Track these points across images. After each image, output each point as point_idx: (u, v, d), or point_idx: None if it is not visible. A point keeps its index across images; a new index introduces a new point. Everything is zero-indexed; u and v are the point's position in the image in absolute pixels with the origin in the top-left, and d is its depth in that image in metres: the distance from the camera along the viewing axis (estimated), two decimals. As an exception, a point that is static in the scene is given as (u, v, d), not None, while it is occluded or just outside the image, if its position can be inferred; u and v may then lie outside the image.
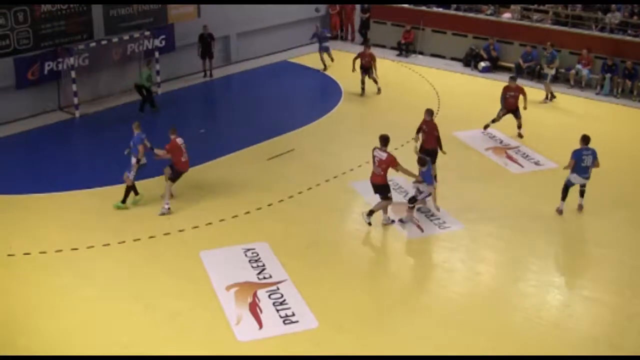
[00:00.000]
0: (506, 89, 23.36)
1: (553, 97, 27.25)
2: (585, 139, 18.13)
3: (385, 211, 17.88)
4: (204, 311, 14.35)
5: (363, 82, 27.68)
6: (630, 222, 18.33)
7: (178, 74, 28.65)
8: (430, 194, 17.96)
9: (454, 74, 30.65)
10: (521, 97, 23.28)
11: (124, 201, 18.23)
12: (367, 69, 27.72)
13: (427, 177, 17.62)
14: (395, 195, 18.89)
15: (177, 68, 28.56)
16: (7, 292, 14.93)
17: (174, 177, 18.34)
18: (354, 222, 18.26)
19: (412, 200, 17.81)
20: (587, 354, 13.45)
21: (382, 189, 17.56)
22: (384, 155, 17.28)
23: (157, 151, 18.33)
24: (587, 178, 18.14)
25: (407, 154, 20.25)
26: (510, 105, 23.25)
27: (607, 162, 19.34)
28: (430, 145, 19.37)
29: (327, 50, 30.87)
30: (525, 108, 23.30)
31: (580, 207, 18.46)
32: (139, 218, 17.90)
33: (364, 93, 27.66)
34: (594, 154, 17.98)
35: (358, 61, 27.68)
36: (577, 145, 18.15)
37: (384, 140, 17.48)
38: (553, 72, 27.50)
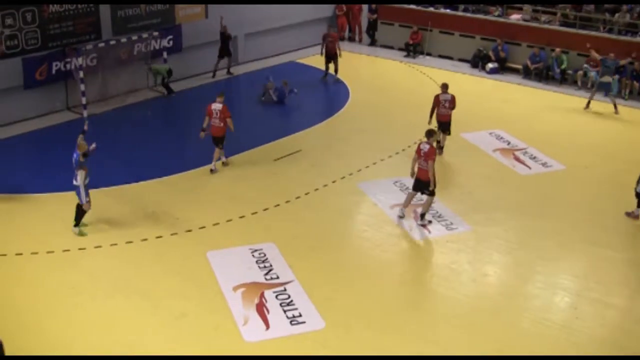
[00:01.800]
0: None
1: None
2: None
3: (406, 205, 18.08)
4: (211, 311, 14.35)
5: (327, 67, 29.17)
6: (639, 224, 18.29)
7: (186, 74, 28.69)
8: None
9: (462, 75, 30.60)
10: None
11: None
12: (332, 55, 28.38)
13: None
14: (403, 196, 18.91)
15: (184, 68, 28.59)
16: (14, 291, 14.96)
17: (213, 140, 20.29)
18: (361, 223, 18.25)
19: None
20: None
21: (427, 184, 17.63)
22: (427, 147, 17.41)
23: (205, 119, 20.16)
24: None
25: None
26: None
27: (616, 163, 19.36)
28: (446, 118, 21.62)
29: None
30: None
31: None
32: (146, 218, 17.91)
33: (326, 76, 29.24)
34: None
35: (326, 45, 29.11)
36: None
37: (430, 133, 17.76)
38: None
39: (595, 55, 27.13)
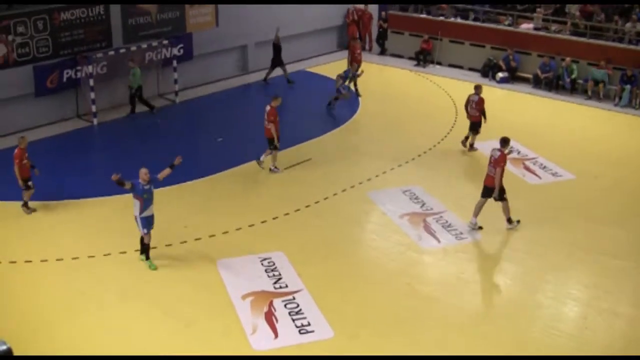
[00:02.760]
0: None
1: None
2: None
3: (476, 214, 18.03)
4: (220, 320, 14.36)
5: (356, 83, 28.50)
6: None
7: (196, 82, 28.74)
8: None
9: (472, 84, 30.43)
10: None
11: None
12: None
13: None
14: (412, 205, 18.92)
15: (194, 77, 28.65)
16: (24, 298, 15.01)
17: None
18: (371, 232, 18.25)
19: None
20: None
21: (491, 191, 17.74)
22: (497, 154, 17.57)
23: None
24: None
25: (427, 160, 20.36)
26: None
27: (626, 172, 19.29)
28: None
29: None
30: None
31: None
32: (156, 226, 17.88)
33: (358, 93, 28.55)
34: None
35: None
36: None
37: (503, 141, 17.87)
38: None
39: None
